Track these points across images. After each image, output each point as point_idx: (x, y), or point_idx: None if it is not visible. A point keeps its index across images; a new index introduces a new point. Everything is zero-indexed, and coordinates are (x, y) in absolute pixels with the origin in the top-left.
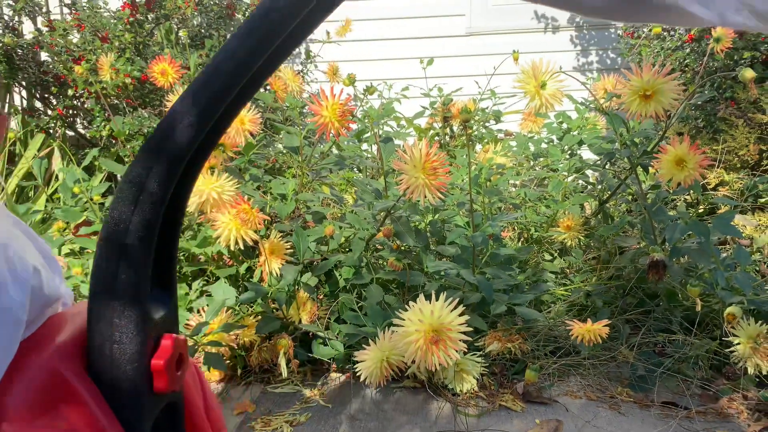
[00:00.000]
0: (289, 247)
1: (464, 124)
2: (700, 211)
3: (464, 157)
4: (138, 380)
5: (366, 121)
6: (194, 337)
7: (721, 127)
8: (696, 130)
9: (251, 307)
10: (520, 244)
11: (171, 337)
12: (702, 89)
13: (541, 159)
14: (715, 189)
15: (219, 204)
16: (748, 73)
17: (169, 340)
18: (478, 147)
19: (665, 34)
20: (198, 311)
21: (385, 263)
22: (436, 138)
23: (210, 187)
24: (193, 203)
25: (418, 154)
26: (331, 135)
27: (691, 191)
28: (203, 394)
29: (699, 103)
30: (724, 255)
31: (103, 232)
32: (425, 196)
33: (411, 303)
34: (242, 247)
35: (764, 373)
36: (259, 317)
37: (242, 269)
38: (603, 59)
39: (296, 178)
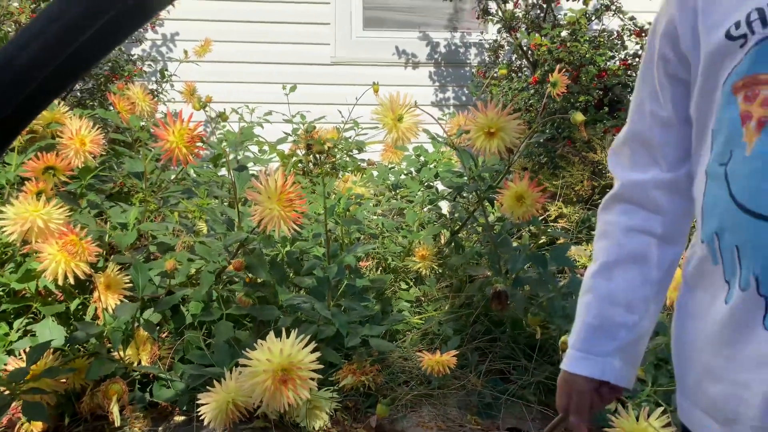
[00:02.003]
0: (128, 281)
1: (318, 155)
2: (542, 241)
3: (326, 185)
4: None
5: (224, 145)
6: (12, 384)
7: (560, 163)
8: (539, 166)
9: (84, 347)
10: (378, 273)
11: None
12: (544, 128)
13: (400, 189)
14: (555, 220)
15: (46, 233)
16: (579, 117)
17: None
18: (344, 174)
19: (513, 75)
20: (18, 354)
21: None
22: (300, 165)
23: (35, 214)
24: (15, 232)
25: (274, 184)
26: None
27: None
28: None
29: (541, 140)
30: (562, 284)
31: None
32: (280, 228)
33: (260, 341)
34: (73, 282)
35: None
36: (93, 359)
37: (74, 306)
38: (459, 96)
39: (142, 205)
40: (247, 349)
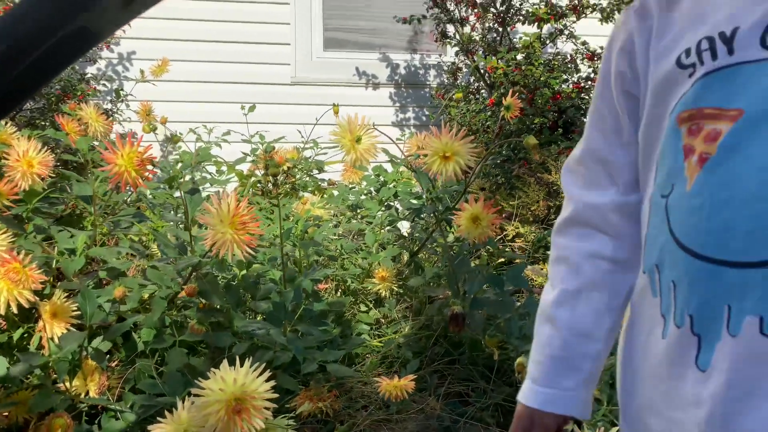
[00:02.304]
0: (76, 308)
1: (274, 178)
2: (500, 261)
3: (285, 206)
4: None
5: (179, 166)
6: None
7: (517, 184)
8: (496, 186)
9: (28, 379)
10: (338, 296)
11: None
12: (500, 149)
13: (360, 210)
14: (513, 240)
15: None
16: (531, 141)
17: None
18: (305, 194)
19: (471, 96)
20: None
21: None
22: (259, 185)
23: None
24: None
25: (226, 207)
26: (133, 184)
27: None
28: None
29: (498, 161)
30: (519, 304)
31: None
32: (233, 252)
33: (213, 370)
34: (16, 311)
35: None
36: (37, 391)
37: (17, 335)
38: (419, 116)
39: (93, 229)
40: (200, 379)
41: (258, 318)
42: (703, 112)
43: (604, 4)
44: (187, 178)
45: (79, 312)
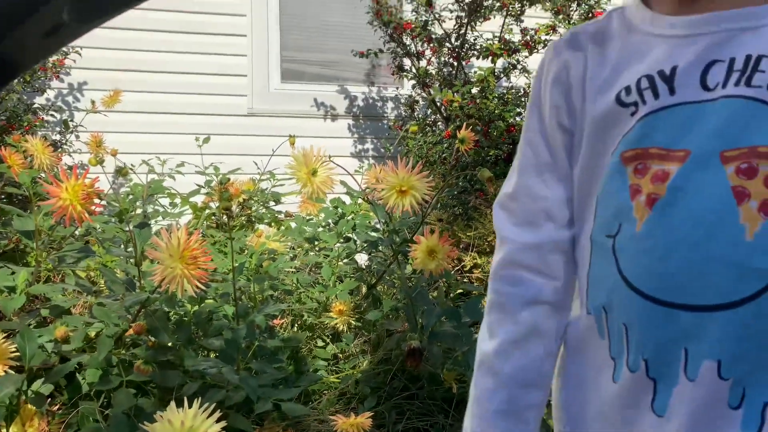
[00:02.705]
0: (15, 349)
1: (226, 213)
2: (458, 292)
3: (240, 239)
4: None
5: (130, 199)
6: None
7: (474, 215)
8: (454, 217)
9: None
10: (294, 331)
11: None
12: (457, 181)
13: (318, 242)
14: (470, 270)
15: None
16: (485, 174)
17: None
18: (261, 227)
19: (428, 128)
20: None
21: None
22: (213, 217)
23: None
24: None
25: (176, 242)
26: (79, 219)
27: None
28: None
29: (455, 193)
30: (476, 337)
31: None
32: (183, 287)
33: (159, 413)
34: None
35: None
36: None
37: None
38: (377, 147)
39: (36, 265)
40: (146, 423)
41: (210, 356)
42: (648, 152)
43: (556, 39)
44: (139, 211)
45: (18, 353)
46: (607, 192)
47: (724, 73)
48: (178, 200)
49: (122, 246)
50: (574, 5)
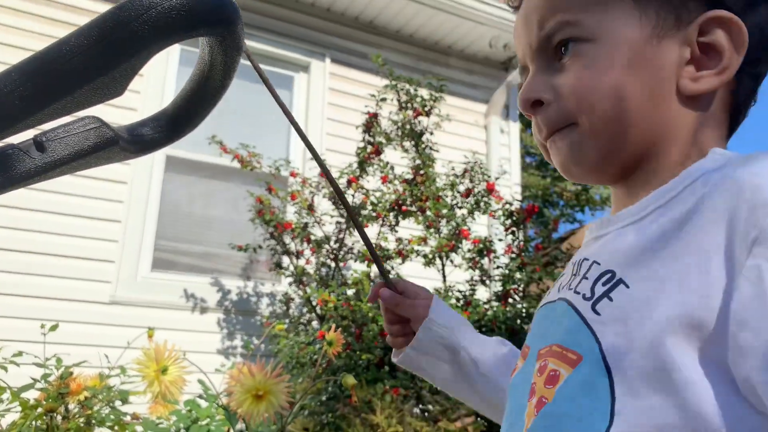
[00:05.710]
0: None
1: (64, 409)
2: None
3: None
4: None
5: None
6: None
7: (341, 425)
8: (321, 426)
9: None
10: None
11: None
12: (327, 385)
13: None
14: None
15: None
16: (350, 381)
17: None
18: (101, 429)
19: (301, 328)
20: None
21: None
22: (45, 417)
23: None
24: None
25: None
26: None
27: None
28: None
29: (324, 398)
30: None
31: None
32: None
33: None
34: None
35: None
36: None
37: None
38: (248, 345)
39: None
40: None
41: None
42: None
43: (427, 251)
44: None
45: None
46: (514, 384)
47: (569, 276)
48: (7, 395)
49: None
50: (444, 221)
